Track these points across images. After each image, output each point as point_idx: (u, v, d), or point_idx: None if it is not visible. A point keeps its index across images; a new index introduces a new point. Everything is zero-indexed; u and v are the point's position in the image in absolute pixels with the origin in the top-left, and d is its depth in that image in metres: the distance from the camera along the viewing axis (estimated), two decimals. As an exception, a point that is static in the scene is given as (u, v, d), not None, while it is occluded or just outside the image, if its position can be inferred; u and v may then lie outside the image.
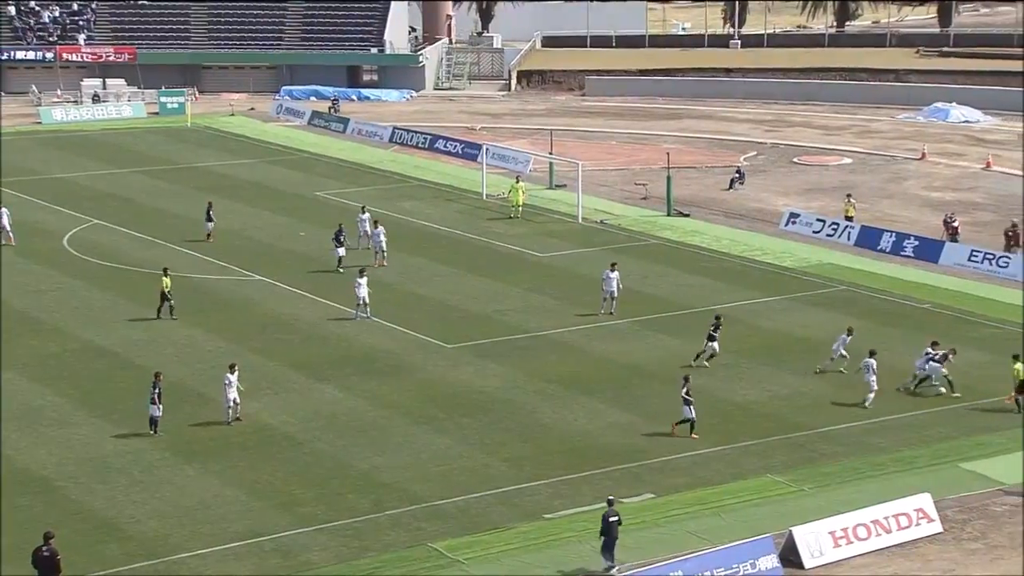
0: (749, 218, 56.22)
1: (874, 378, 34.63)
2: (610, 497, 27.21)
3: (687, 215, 56.47)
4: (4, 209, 51.44)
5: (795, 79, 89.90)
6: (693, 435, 32.43)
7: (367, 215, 50.49)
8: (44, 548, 25.05)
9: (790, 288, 45.44)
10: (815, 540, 26.93)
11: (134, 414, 33.56)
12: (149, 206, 57.97)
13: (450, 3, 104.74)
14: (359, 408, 34.61)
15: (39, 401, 34.78)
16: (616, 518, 26.23)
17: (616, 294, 42.13)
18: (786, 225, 54.22)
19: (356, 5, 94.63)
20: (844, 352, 36.66)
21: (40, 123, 79.28)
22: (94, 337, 39.91)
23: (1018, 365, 34.41)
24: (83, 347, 39.05)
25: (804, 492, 29.80)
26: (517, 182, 56.95)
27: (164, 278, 41.84)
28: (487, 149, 64.59)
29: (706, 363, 36.99)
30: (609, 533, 26.11)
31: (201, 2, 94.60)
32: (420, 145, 72.24)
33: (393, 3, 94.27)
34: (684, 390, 32.67)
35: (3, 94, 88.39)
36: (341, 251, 46.89)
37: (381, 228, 48.13)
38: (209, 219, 51.29)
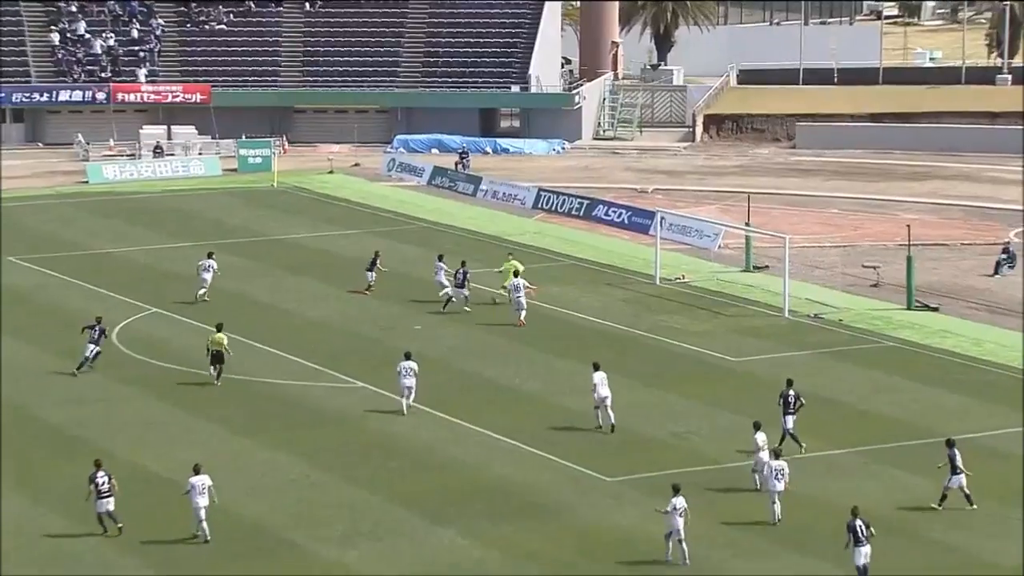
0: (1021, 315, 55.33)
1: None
2: None
3: (935, 309, 55.92)
4: (212, 262, 57.20)
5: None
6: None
7: (443, 263, 56.87)
8: None
9: (1078, 410, 44.40)
10: None
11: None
12: (223, 290, 59.36)
13: (617, 28, 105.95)
14: (489, 560, 34.70)
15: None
16: None
17: (609, 402, 42.50)
18: (1073, 325, 53.24)
19: (493, 31, 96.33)
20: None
21: (87, 183, 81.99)
22: (149, 463, 40.83)
23: None
24: (131, 474, 40.00)
25: None
26: (510, 257, 57.11)
27: (217, 335, 43.41)
28: (662, 218, 64.83)
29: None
30: None
31: (294, 28, 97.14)
32: (574, 212, 72.91)
33: (542, 28, 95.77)
34: None
35: (40, 145, 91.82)
36: (465, 291, 55.16)
37: (522, 280, 54.26)
38: (372, 269, 58.09)
